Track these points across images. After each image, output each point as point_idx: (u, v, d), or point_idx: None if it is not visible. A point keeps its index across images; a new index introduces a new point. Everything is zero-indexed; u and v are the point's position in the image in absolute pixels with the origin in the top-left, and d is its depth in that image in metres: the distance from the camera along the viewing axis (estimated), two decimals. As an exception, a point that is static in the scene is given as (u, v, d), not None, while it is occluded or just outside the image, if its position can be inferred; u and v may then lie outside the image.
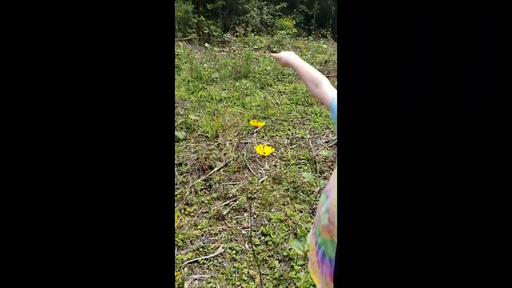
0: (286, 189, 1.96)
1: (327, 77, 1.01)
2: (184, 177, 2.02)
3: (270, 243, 1.55)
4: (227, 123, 2.68)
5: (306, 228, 1.61)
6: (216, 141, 2.41)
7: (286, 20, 7.83)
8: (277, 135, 2.59)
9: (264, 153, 1.04)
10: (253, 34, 6.48)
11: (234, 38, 6.21)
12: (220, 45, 6.01)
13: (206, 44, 5.43)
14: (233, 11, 7.57)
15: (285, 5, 8.29)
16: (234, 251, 1.50)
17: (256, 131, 2.63)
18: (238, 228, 1.66)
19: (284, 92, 3.63)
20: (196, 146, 2.34)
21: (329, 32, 7.40)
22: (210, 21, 6.85)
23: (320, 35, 7.12)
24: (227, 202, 1.85)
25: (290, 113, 2.98)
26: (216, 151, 2.28)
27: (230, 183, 2.01)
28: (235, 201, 1.86)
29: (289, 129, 2.69)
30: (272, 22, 7.71)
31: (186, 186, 1.93)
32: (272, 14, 7.86)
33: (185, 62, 4.41)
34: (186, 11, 6.36)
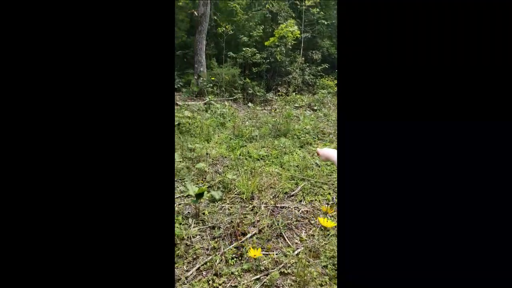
0: (324, 266, 1.76)
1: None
2: (216, 242, 1.95)
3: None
4: (264, 184, 2.64)
5: None
6: (251, 204, 2.36)
7: (327, 80, 8.11)
8: (316, 200, 2.45)
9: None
10: (294, 93, 6.78)
11: (276, 97, 6.54)
12: (262, 104, 6.35)
13: (250, 104, 5.78)
14: (276, 73, 8.13)
15: (326, 66, 8.69)
16: None
17: (294, 195, 2.53)
18: None
19: (324, 151, 3.55)
20: (231, 208, 2.30)
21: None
22: (254, 82, 7.40)
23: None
24: (258, 276, 1.70)
25: (330, 175, 2.85)
26: (250, 215, 2.21)
27: (263, 252, 1.87)
28: (266, 275, 1.71)
29: (329, 193, 2.54)
30: (313, 82, 8.05)
31: (217, 253, 1.85)
32: (313, 75, 8.24)
33: (229, 120, 4.69)
34: (233, 74, 7.01)
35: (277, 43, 7.64)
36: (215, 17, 9.50)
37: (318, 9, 9.17)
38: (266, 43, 7.94)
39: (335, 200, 2.42)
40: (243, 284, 1.63)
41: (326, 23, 9.54)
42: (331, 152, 0.94)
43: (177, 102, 5.71)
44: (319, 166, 3.05)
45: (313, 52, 8.78)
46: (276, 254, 1.86)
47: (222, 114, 4.78)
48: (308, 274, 1.68)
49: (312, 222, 2.19)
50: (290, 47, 7.94)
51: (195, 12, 7.67)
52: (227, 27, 7.45)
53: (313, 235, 2.03)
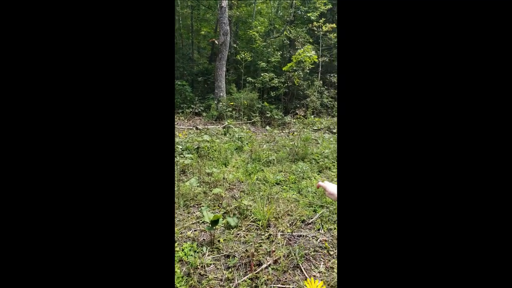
0: (344, 303, 1.63)
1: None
2: (230, 272, 1.89)
3: None
4: (281, 210, 2.57)
5: None
6: (267, 231, 2.29)
7: (346, 102, 8.05)
8: (335, 229, 2.34)
9: None
10: (312, 116, 6.76)
11: (294, 120, 6.54)
12: (280, 127, 6.36)
13: (267, 127, 5.82)
14: (294, 96, 8.21)
15: (345, 89, 8.66)
16: None
17: (312, 222, 2.43)
18: None
19: (343, 176, 3.44)
20: (247, 235, 2.25)
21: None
22: (272, 105, 7.49)
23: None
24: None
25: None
26: (266, 244, 2.14)
27: (279, 286, 1.79)
28: (282, 311, 1.61)
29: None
30: (332, 105, 8.01)
31: (231, 285, 1.79)
32: (332, 97, 8.23)
33: (247, 144, 4.72)
34: (252, 98, 7.16)
35: (294, 68, 7.78)
36: (235, 45, 9.92)
37: (335, 34, 9.33)
38: (284, 68, 8.12)
39: (356, 229, 2.30)
40: (257, 320, 1.54)
41: (343, 47, 9.62)
42: (331, 188, 0.82)
43: (197, 126, 5.86)
44: (338, 192, 2.95)
45: (331, 75, 8.84)
46: (293, 287, 1.76)
47: (240, 137, 4.83)
48: (327, 312, 1.57)
49: (332, 253, 2.07)
50: (308, 71, 8.04)
51: (216, 41, 8.07)
52: (245, 54, 7.74)
53: (332, 268, 1.92)
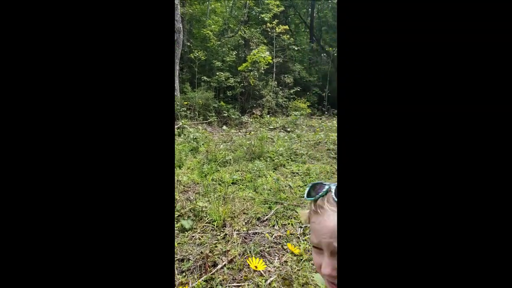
0: (297, 294, 1.70)
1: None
2: (184, 276, 1.84)
3: None
4: (236, 210, 2.58)
5: None
6: (223, 231, 2.28)
7: (300, 102, 8.39)
8: (289, 224, 2.42)
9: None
10: (268, 116, 6.91)
11: (251, 120, 6.61)
12: (237, 127, 6.38)
13: (224, 127, 5.79)
14: (251, 96, 8.30)
15: (298, 89, 9.02)
16: None
17: (267, 219, 2.49)
18: None
19: (297, 173, 3.58)
20: (202, 237, 2.21)
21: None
22: (229, 105, 7.48)
23: (332, 114, 7.45)
24: None
25: (303, 197, 2.85)
26: (221, 244, 2.12)
27: (234, 284, 1.79)
28: (237, 309, 1.62)
29: (300, 217, 2.52)
30: (286, 104, 8.28)
31: (185, 289, 1.74)
32: (287, 97, 8.51)
33: (203, 144, 4.63)
34: (207, 98, 7.05)
35: (250, 68, 7.86)
36: (188, 43, 9.67)
37: (288, 36, 9.65)
38: (239, 68, 8.15)
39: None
40: (212, 321, 1.53)
41: (296, 48, 10.02)
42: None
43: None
44: (292, 188, 3.06)
45: (285, 76, 9.12)
46: (248, 285, 1.78)
47: (195, 138, 4.73)
48: (281, 305, 1.62)
49: (285, 247, 2.14)
50: (263, 71, 8.19)
51: (168, 38, 7.75)
52: (199, 53, 7.59)
53: (286, 262, 1.99)
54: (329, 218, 0.49)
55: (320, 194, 0.52)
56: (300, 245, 2.12)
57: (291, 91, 8.75)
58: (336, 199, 0.49)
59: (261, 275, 1.86)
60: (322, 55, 13.23)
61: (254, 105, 7.97)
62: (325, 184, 0.53)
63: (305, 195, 0.54)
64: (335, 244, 0.47)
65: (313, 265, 1.94)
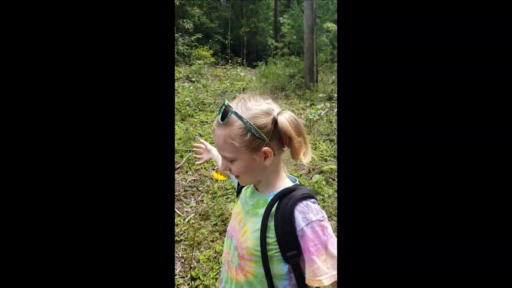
0: (214, 224, 1.92)
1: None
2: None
3: (200, 287, 1.47)
4: (146, 162, 2.52)
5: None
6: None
7: (202, 50, 8.04)
8: (202, 168, 2.55)
9: (217, 179, 1.10)
10: (170, 65, 6.43)
11: (150, 70, 6.04)
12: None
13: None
14: (147, 43, 7.40)
15: (200, 36, 8.54)
16: (160, 308, 1.36)
17: (180, 167, 2.54)
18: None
19: (206, 121, 3.64)
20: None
21: (244, 60, 7.88)
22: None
23: (236, 63, 7.52)
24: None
25: (213, 143, 2.99)
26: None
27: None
28: (160, 248, 1.72)
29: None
30: (189, 53, 7.81)
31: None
32: (188, 45, 7.98)
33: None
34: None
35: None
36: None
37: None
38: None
39: (220, 164, 2.60)
40: None
41: (193, -11, 9.15)
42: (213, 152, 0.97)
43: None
44: (202, 136, 3.14)
45: (184, 20, 8.40)
46: (167, 226, 1.88)
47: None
48: (200, 235, 1.81)
49: (200, 189, 2.29)
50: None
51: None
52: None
53: (202, 201, 2.15)
54: (216, 136, 0.60)
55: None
56: (214, 185, 2.30)
57: (193, 38, 8.23)
58: (222, 121, 0.58)
59: (179, 215, 1.98)
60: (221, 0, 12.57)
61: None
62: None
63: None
64: (222, 153, 0.61)
65: (227, 198, 2.18)
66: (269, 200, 0.60)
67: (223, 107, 0.59)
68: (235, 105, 0.60)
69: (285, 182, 0.64)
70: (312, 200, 0.58)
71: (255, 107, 0.59)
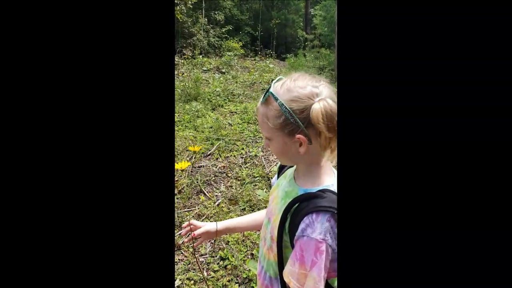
0: (242, 209, 1.97)
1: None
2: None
3: (229, 267, 1.53)
4: (179, 147, 2.63)
5: (264, 246, 1.63)
6: (168, 168, 2.34)
7: (233, 42, 8.10)
8: (231, 155, 2.62)
9: (195, 149, 1.10)
10: (201, 56, 6.57)
11: (182, 61, 6.21)
12: (168, 68, 5.93)
13: (153, 68, 5.33)
14: (179, 34, 7.60)
15: (231, 28, 8.60)
16: (192, 281, 1.45)
17: (210, 154, 2.63)
18: (196, 256, 1.62)
19: (235, 112, 3.71)
20: (147, 175, 2.24)
21: (274, 52, 7.83)
22: (156, 45, 6.74)
23: (266, 55, 7.49)
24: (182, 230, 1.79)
25: (242, 133, 3.04)
26: (168, 178, 2.21)
27: (185, 210, 1.96)
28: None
29: (242, 148, 2.74)
30: (219, 44, 7.91)
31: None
32: (219, 37, 8.08)
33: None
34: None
35: (176, 1, 7.02)
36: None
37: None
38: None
39: (248, 153, 2.65)
40: (169, 240, 1.70)
41: (226, -19, 9.20)
42: (213, 226, 0.79)
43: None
44: (232, 125, 3.21)
45: (216, 12, 8.50)
46: (198, 208, 1.97)
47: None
48: (229, 219, 1.88)
49: (230, 175, 2.36)
50: (191, 6, 7.44)
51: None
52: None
53: (231, 186, 2.22)
54: (258, 114, 0.61)
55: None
56: (242, 172, 2.36)
57: (223, 30, 8.31)
58: (262, 99, 0.59)
59: (209, 199, 2.06)
60: (253, -9, 12.50)
61: (185, 45, 7.39)
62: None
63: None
64: (261, 130, 0.61)
65: (254, 185, 2.22)
66: (299, 195, 0.58)
67: (269, 86, 0.60)
68: (280, 84, 0.59)
69: (324, 179, 0.59)
70: (328, 216, 0.52)
71: (298, 89, 0.56)
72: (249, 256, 1.60)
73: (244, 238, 1.73)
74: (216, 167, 2.44)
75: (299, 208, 0.56)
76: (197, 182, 2.19)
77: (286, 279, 0.56)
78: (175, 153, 2.55)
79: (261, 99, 0.60)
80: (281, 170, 0.75)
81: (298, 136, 0.55)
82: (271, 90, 0.58)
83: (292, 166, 0.69)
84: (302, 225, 0.53)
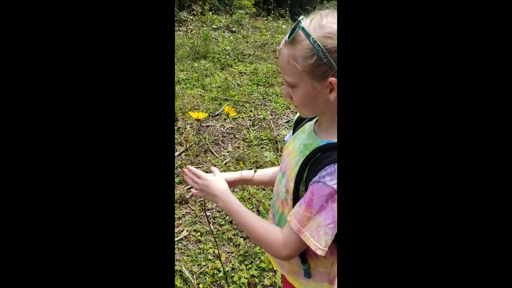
0: (249, 169, 1.99)
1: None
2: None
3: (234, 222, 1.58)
4: (186, 105, 2.59)
5: (269, 205, 1.66)
6: (175, 125, 2.33)
7: (244, -1, 7.61)
8: (239, 117, 2.57)
9: (198, 117, 1.04)
10: (211, 13, 6.22)
11: (191, 17, 5.91)
12: (176, 24, 5.68)
13: (161, 23, 5.10)
14: (189, -13, 7.14)
15: (243, -17, 8.01)
16: (198, 233, 1.50)
17: (218, 114, 2.59)
18: (204, 209, 1.66)
19: (245, 73, 3.58)
20: (155, 131, 2.24)
21: (287, 12, 7.37)
22: None
23: (278, 15, 7.07)
24: (189, 186, 1.82)
25: (251, 95, 2.96)
26: (176, 135, 2.21)
27: (193, 167, 1.97)
28: (198, 184, 1.84)
29: (251, 111, 2.69)
30: (230, 1, 7.45)
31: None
32: (230, -8, 7.57)
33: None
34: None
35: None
36: None
37: None
38: None
39: (257, 116, 2.60)
40: (177, 193, 1.74)
41: None
42: (225, 179, 0.73)
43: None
44: (241, 86, 3.12)
45: (228, -36, 7.86)
46: (206, 166, 1.98)
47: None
48: (236, 178, 1.90)
49: (237, 136, 2.34)
50: (202, -45, 6.87)
51: None
52: None
53: (238, 147, 2.21)
54: (281, 56, 0.55)
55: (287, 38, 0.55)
56: (250, 134, 2.34)
57: (235, -15, 7.76)
58: (288, 38, 0.52)
59: (216, 157, 2.06)
60: None
61: (194, 0, 6.98)
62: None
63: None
64: (284, 76, 0.55)
65: (261, 148, 2.22)
66: (321, 145, 0.55)
67: (295, 23, 0.54)
68: (308, 21, 0.52)
69: None
70: None
71: (331, 25, 0.50)
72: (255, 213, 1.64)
73: (250, 196, 1.75)
74: (224, 128, 2.42)
75: (321, 158, 0.53)
76: (205, 141, 2.18)
77: (288, 217, 0.55)
78: (184, 111, 2.51)
79: (285, 38, 0.54)
80: (297, 125, 0.72)
81: (331, 79, 0.50)
82: (302, 24, 0.51)
83: (311, 120, 0.65)
84: (322, 172, 0.51)
